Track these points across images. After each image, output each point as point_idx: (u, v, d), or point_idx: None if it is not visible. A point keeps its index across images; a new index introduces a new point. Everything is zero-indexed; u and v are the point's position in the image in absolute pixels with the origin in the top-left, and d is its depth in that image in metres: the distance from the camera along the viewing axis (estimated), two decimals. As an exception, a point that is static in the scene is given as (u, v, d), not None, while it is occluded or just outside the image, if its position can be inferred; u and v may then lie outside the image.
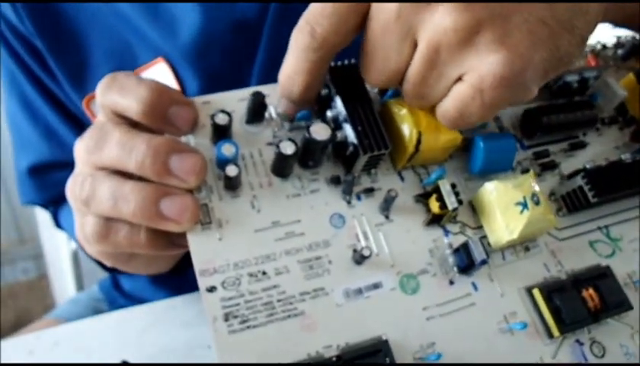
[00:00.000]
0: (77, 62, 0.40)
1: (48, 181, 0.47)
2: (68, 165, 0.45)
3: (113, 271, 0.53)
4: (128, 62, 0.40)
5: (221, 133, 0.27)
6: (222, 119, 0.26)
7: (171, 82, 0.40)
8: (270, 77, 0.39)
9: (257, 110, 0.28)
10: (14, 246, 1.22)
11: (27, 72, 0.43)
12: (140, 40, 0.39)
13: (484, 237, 0.29)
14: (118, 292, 0.56)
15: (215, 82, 0.40)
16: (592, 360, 0.27)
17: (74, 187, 0.25)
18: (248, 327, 0.24)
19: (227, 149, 0.26)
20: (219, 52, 0.39)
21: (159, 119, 0.26)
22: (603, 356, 0.27)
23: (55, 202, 0.48)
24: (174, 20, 0.38)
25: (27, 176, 0.47)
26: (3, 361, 0.35)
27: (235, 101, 0.29)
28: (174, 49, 0.38)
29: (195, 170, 0.25)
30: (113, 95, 0.25)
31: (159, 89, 0.26)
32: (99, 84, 0.25)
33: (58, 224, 0.50)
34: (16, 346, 0.36)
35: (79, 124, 0.45)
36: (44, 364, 0.35)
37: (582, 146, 0.32)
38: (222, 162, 0.26)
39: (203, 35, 0.37)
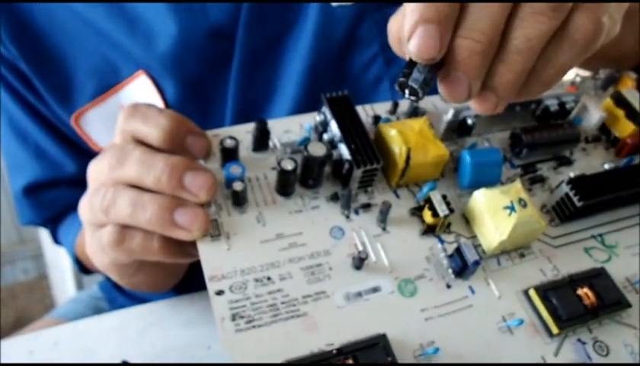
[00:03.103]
0: (61, 81, 0.42)
1: (44, 200, 0.48)
2: (61, 183, 0.47)
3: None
4: (110, 77, 0.42)
5: (229, 155, 0.30)
6: (229, 143, 0.30)
7: (153, 93, 0.42)
8: (246, 81, 0.42)
9: (261, 138, 0.31)
10: (14, 246, 1.21)
11: (15, 94, 0.44)
12: (120, 53, 0.41)
13: (478, 246, 0.30)
14: (118, 291, 0.56)
15: (194, 89, 0.41)
16: (596, 358, 0.27)
17: (93, 200, 0.28)
18: (254, 326, 0.26)
19: (234, 169, 0.29)
20: (196, 59, 0.41)
21: (177, 146, 0.29)
22: (607, 355, 0.27)
23: (53, 220, 0.50)
24: (150, 31, 0.39)
25: (23, 197, 0.48)
26: (3, 361, 0.35)
27: (242, 132, 0.32)
28: (154, 60, 0.40)
29: (206, 186, 0.28)
30: (136, 123, 0.29)
31: (179, 119, 0.30)
32: (122, 112, 0.29)
33: (56, 241, 0.52)
34: (16, 346, 0.36)
35: (68, 142, 0.46)
36: (44, 364, 0.35)
37: (569, 162, 0.34)
38: (230, 181, 0.29)
39: (180, 43, 0.39)
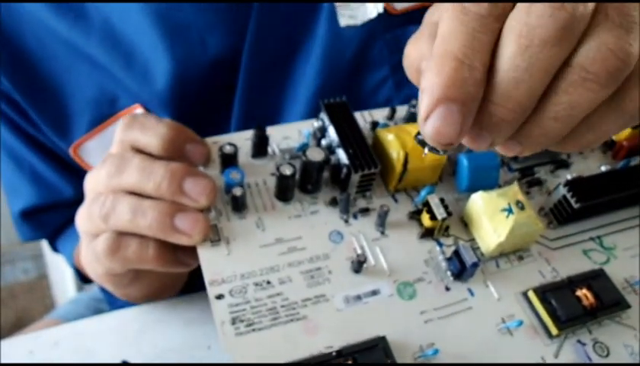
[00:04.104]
0: (57, 112, 0.41)
1: (42, 222, 0.47)
2: (58, 207, 0.46)
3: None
4: (107, 106, 0.41)
5: (228, 161, 0.30)
6: (229, 149, 0.30)
7: None
8: (251, 107, 0.40)
9: (260, 144, 0.32)
10: (14, 246, 1.21)
11: (10, 123, 0.43)
12: (117, 86, 0.40)
13: (477, 248, 0.30)
14: None
15: (195, 119, 0.38)
16: (596, 359, 0.27)
17: (92, 209, 0.28)
18: (254, 330, 0.26)
19: (234, 175, 0.30)
20: (197, 91, 0.39)
21: (177, 154, 0.30)
22: (607, 356, 0.27)
23: (53, 234, 0.49)
24: (147, 67, 0.38)
25: (21, 219, 0.48)
26: (3, 361, 0.35)
27: (241, 139, 0.33)
28: (151, 96, 0.39)
29: (206, 192, 0.28)
30: (135, 132, 0.29)
31: (178, 127, 0.30)
32: (120, 123, 0.29)
33: (55, 250, 0.51)
34: (16, 346, 0.36)
35: (66, 167, 0.45)
36: (44, 364, 0.35)
37: (566, 165, 0.35)
38: (230, 187, 0.29)
39: (177, 80, 0.38)
